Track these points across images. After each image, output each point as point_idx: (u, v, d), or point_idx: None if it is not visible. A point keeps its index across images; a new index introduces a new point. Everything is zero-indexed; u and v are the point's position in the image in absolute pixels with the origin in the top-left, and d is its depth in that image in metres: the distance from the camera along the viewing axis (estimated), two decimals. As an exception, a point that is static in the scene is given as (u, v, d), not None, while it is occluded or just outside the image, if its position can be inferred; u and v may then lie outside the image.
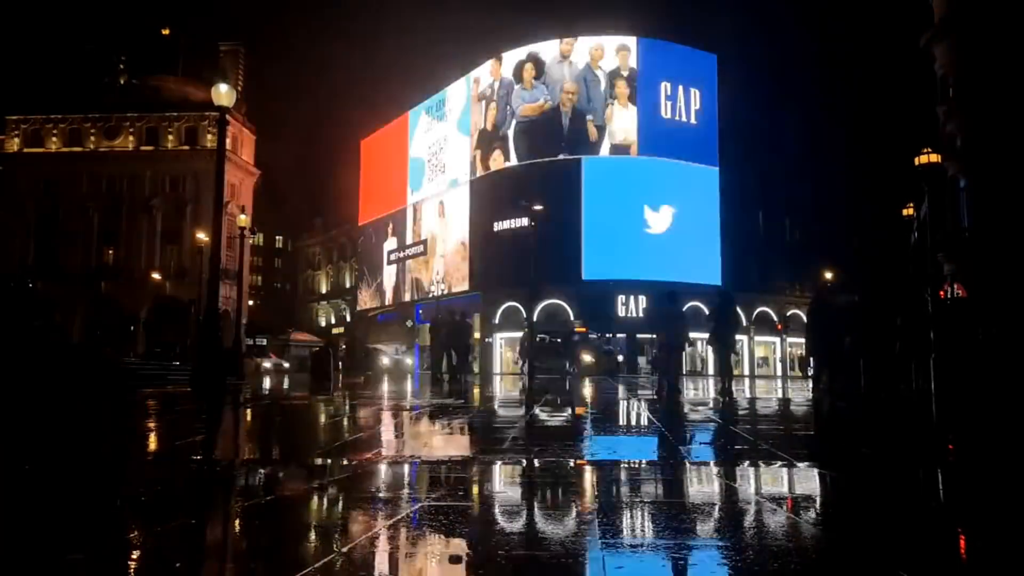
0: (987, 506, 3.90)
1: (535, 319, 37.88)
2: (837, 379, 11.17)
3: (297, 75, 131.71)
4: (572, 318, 41.71)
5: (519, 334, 40.89)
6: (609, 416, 9.94)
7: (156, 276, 52.05)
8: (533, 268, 35.70)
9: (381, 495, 3.98)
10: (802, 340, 45.27)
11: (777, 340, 45.42)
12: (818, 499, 4.17)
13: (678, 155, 42.38)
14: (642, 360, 40.58)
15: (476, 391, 15.67)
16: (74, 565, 2.64)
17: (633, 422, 9.06)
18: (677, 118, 43.05)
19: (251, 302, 65.09)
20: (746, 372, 41.62)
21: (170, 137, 55.33)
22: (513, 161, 44.40)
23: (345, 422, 8.78)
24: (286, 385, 20.03)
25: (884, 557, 2.76)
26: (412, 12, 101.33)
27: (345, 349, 35.09)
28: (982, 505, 3.94)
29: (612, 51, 43.19)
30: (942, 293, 25.66)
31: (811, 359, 12.13)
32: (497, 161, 45.36)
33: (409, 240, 55.09)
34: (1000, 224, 27.82)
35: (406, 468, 4.89)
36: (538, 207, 34.61)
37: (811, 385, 13.02)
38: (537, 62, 44.36)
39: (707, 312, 13.03)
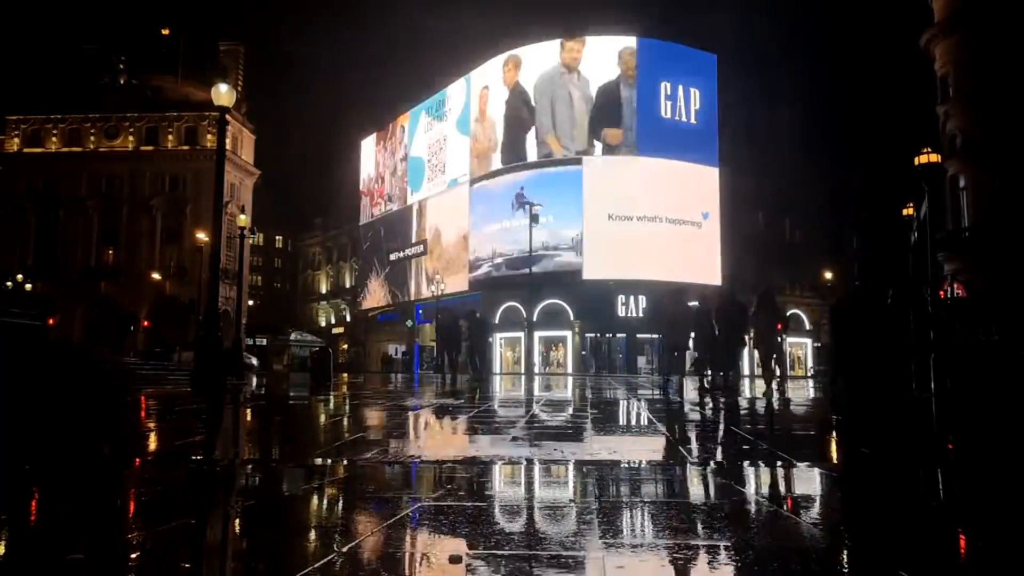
0: (987, 506, 3.90)
1: (535, 319, 37.93)
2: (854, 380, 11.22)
3: (297, 75, 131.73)
4: (572, 317, 41.71)
5: (520, 334, 40.94)
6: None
7: (156, 276, 52.09)
8: (531, 268, 35.75)
9: (380, 495, 3.98)
10: (801, 340, 45.18)
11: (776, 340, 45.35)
12: (817, 499, 4.17)
13: (678, 155, 42.38)
14: (641, 360, 40.58)
15: (476, 390, 15.67)
16: (74, 565, 2.63)
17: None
18: (677, 118, 43.04)
19: (251, 302, 65.11)
20: (746, 372, 41.68)
21: (170, 137, 55.36)
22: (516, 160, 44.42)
23: (345, 422, 8.78)
24: (286, 385, 20.01)
25: (884, 557, 2.75)
26: (412, 12, 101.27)
27: None
28: (982, 505, 3.94)
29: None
30: (942, 293, 25.65)
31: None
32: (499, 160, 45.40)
33: (409, 240, 55.11)
34: (1000, 224, 27.83)
35: (406, 468, 4.89)
36: (538, 207, 34.63)
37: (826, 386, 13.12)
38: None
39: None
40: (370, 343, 61.39)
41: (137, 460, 5.51)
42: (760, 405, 11.16)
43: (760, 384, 15.10)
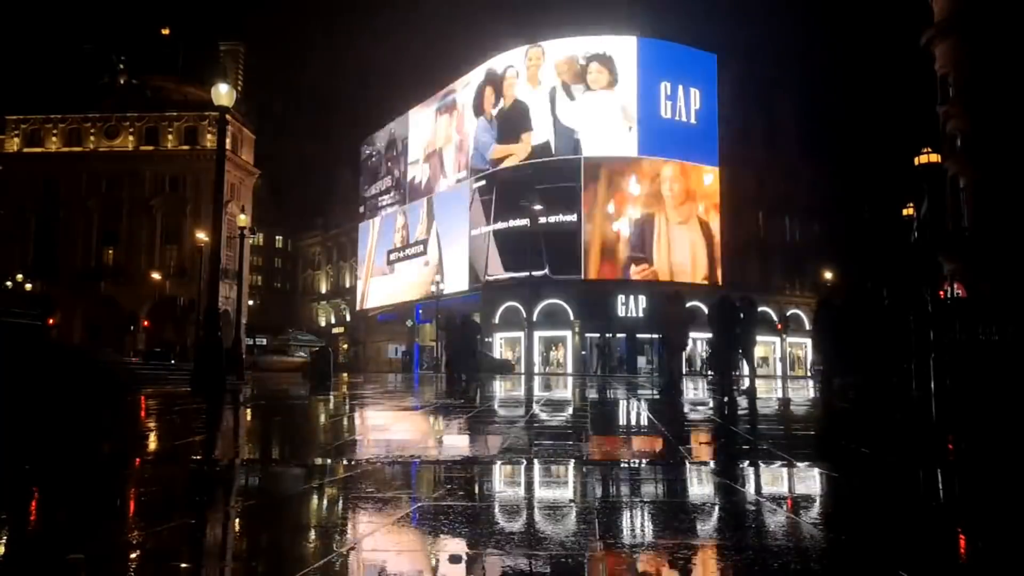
0: (987, 506, 3.90)
1: (535, 319, 37.94)
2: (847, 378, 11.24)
3: (297, 75, 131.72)
4: (573, 317, 41.69)
5: (520, 334, 40.92)
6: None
7: (156, 276, 52.08)
8: (531, 268, 35.71)
9: (380, 495, 3.98)
10: (801, 340, 45.16)
11: (777, 340, 45.42)
12: (818, 499, 4.17)
13: (678, 155, 42.38)
14: (642, 360, 40.56)
15: (476, 391, 15.67)
16: (74, 565, 2.63)
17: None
18: (677, 118, 43.03)
19: (251, 302, 65.07)
20: (746, 372, 41.64)
21: (170, 137, 55.34)
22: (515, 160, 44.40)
23: (345, 422, 8.78)
24: (286, 385, 20.02)
25: (884, 557, 2.75)
26: (413, 12, 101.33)
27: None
28: (982, 505, 3.94)
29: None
30: (942, 293, 25.65)
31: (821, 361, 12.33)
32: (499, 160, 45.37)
33: (409, 240, 55.09)
34: (1000, 224, 27.82)
35: (406, 468, 4.89)
36: (538, 207, 34.61)
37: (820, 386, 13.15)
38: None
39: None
40: (370, 343, 61.39)
41: (137, 460, 5.51)
42: (759, 405, 11.17)
43: (759, 385, 15.10)
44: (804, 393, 16.45)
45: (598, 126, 42.27)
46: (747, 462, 5.19)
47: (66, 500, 3.90)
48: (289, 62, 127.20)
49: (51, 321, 40.71)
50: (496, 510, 3.65)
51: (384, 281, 58.30)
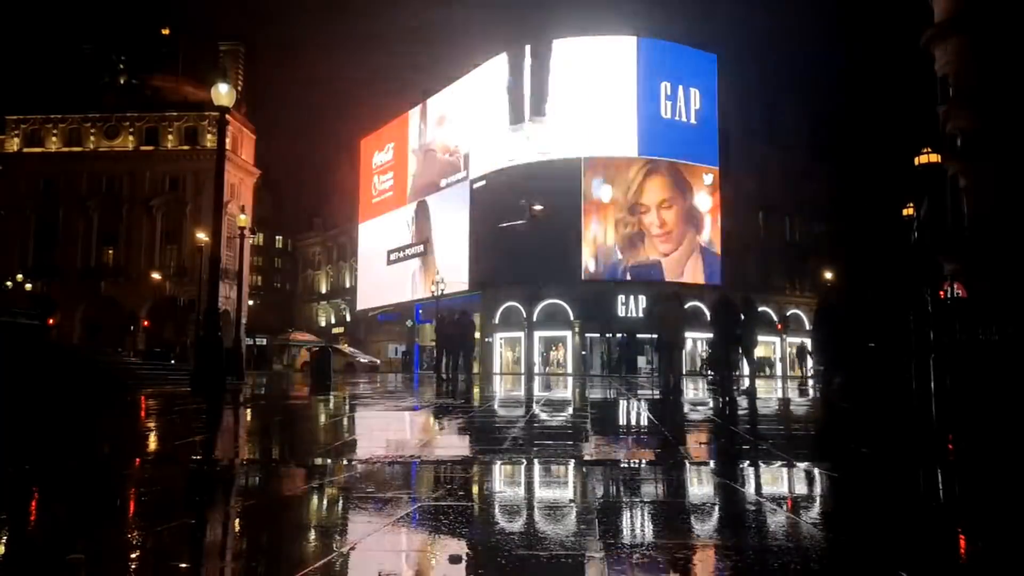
0: (987, 506, 3.89)
1: (535, 319, 37.95)
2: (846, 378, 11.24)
3: (297, 75, 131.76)
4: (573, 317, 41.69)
5: (520, 334, 40.94)
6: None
7: (156, 276, 52.07)
8: (533, 268, 35.65)
9: (380, 495, 3.98)
10: (801, 340, 45.18)
11: (777, 340, 45.40)
12: (818, 499, 4.17)
13: (678, 155, 42.37)
14: (642, 360, 40.52)
15: (476, 390, 15.67)
16: (74, 565, 2.63)
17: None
18: (677, 118, 43.01)
19: (251, 302, 65.03)
20: (746, 372, 41.57)
21: (170, 137, 55.31)
22: (516, 160, 44.35)
23: (345, 422, 8.77)
24: (286, 385, 20.02)
25: (884, 557, 2.75)
26: (413, 12, 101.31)
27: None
28: (982, 505, 3.94)
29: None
30: (942, 293, 25.63)
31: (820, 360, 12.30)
32: (499, 160, 45.32)
33: (409, 240, 55.06)
34: (1000, 224, 27.83)
35: (406, 468, 4.88)
36: (538, 207, 34.57)
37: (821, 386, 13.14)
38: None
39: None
40: (370, 343, 61.36)
41: (137, 460, 5.51)
42: (758, 404, 11.17)
43: (759, 384, 15.11)
44: (804, 393, 16.45)
45: (598, 125, 42.24)
46: (747, 462, 5.19)
47: (66, 500, 3.90)
48: (290, 62, 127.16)
49: (51, 321, 40.66)
50: (496, 510, 3.65)
51: (384, 281, 58.25)
